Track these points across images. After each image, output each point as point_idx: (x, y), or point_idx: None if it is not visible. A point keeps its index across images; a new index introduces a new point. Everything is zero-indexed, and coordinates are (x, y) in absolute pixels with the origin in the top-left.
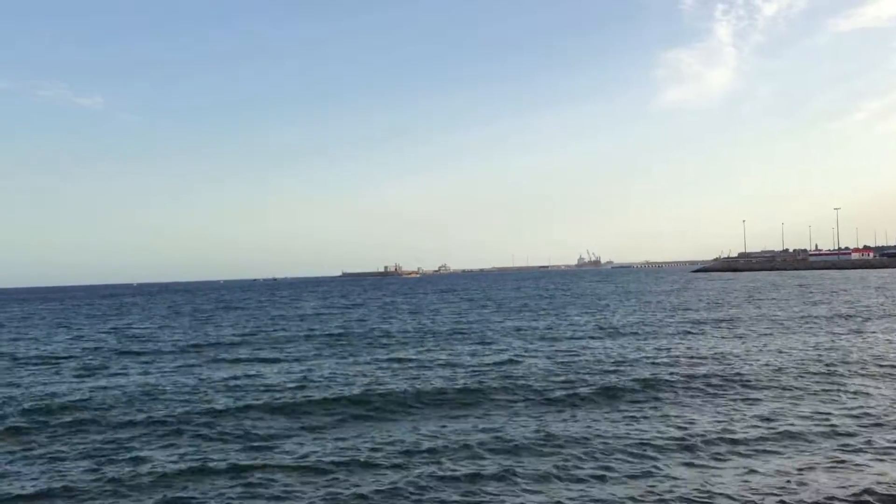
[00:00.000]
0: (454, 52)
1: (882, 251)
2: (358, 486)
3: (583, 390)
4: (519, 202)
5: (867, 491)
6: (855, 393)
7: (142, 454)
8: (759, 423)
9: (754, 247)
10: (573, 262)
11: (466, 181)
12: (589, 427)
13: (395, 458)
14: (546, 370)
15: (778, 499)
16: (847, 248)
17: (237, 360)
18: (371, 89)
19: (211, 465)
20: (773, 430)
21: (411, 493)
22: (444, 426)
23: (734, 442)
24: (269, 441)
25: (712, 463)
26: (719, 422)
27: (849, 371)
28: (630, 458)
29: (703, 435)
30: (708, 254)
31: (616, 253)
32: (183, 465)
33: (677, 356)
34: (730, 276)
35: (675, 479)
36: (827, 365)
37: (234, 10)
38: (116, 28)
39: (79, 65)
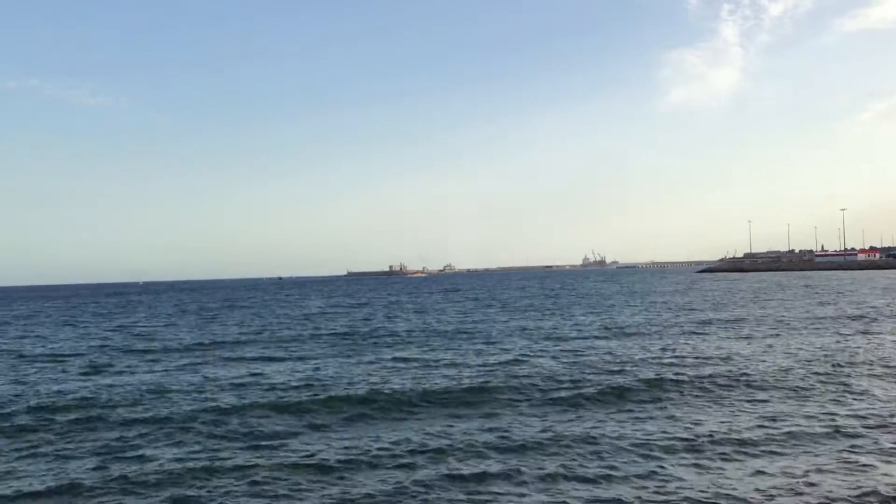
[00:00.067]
0: (463, 51)
1: (888, 252)
2: (364, 484)
3: (588, 390)
4: (524, 202)
5: (874, 492)
6: (861, 394)
7: (148, 452)
8: (766, 424)
9: (760, 247)
10: (578, 262)
11: (469, 181)
12: (595, 427)
13: (401, 457)
14: (551, 370)
15: (785, 499)
16: (853, 249)
17: (243, 359)
18: (371, 88)
19: (217, 463)
20: (779, 431)
21: (417, 493)
22: (449, 426)
23: (740, 442)
24: (275, 440)
25: (718, 463)
26: (725, 422)
27: (855, 372)
28: (636, 458)
29: (709, 435)
30: (713, 254)
31: (621, 253)
32: (189, 464)
33: (683, 356)
34: (735, 276)
35: (681, 479)
36: (833, 366)
37: (235, 9)
38: (116, 28)
39: (86, 63)
